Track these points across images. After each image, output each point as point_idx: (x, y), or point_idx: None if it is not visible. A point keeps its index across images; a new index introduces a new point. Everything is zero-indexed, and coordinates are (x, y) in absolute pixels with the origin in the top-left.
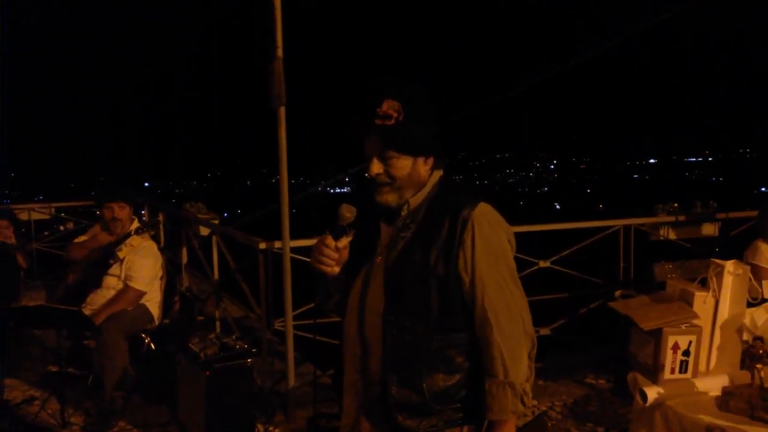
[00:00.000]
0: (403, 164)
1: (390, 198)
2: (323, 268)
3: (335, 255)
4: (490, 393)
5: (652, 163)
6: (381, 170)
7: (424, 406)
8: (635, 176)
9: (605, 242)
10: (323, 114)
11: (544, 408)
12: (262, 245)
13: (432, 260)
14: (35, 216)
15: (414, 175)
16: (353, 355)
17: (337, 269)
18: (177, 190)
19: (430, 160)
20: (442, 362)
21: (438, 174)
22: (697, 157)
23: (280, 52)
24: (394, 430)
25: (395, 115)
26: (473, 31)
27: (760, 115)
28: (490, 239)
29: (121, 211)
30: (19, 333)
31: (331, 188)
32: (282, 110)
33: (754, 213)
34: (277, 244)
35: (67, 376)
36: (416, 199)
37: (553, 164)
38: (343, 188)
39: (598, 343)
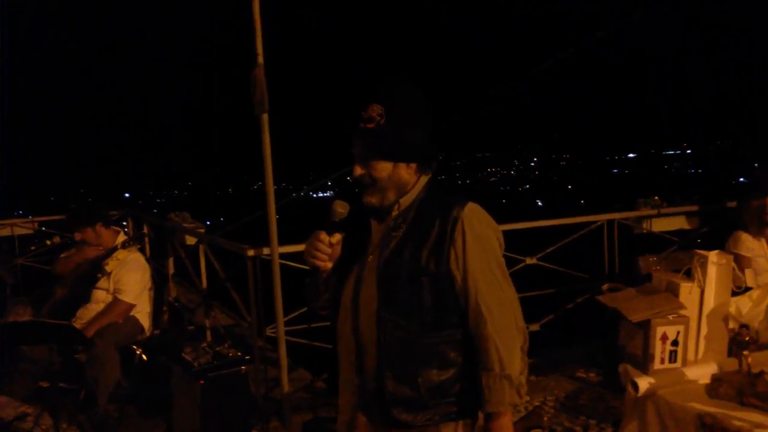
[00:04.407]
0: (383, 167)
1: (373, 199)
2: (316, 262)
3: (328, 250)
4: (487, 386)
5: (632, 157)
6: (363, 172)
7: (420, 400)
8: (615, 171)
9: (589, 237)
10: (305, 119)
11: (537, 403)
12: (251, 252)
13: (424, 258)
14: (18, 231)
15: (395, 177)
16: (348, 353)
17: (329, 264)
18: (158, 200)
19: (414, 165)
20: (436, 358)
21: (426, 177)
22: (675, 150)
23: (261, 59)
24: (391, 425)
25: (377, 118)
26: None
27: (736, 106)
28: (480, 237)
29: (90, 233)
30: (9, 349)
31: (314, 193)
32: (265, 117)
33: (733, 204)
34: (266, 251)
35: (59, 390)
36: (406, 200)
37: (533, 162)
38: (326, 192)
39: (586, 337)
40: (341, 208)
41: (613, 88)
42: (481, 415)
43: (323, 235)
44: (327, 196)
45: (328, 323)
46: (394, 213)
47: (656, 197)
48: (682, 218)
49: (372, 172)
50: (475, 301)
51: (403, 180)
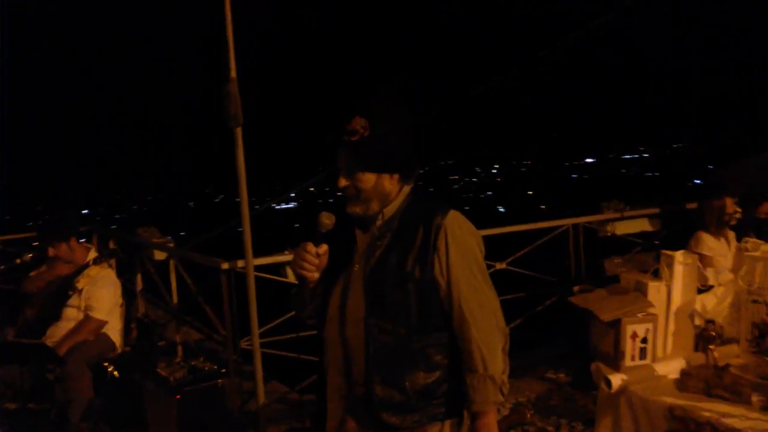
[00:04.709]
0: (368, 178)
1: (358, 209)
2: (304, 273)
3: (315, 260)
4: (472, 386)
5: (590, 162)
6: (347, 183)
7: (407, 403)
8: (573, 176)
9: (554, 242)
10: (265, 132)
11: (509, 405)
12: (225, 265)
13: (409, 265)
14: None
15: (379, 188)
16: (336, 359)
17: (316, 275)
18: (116, 216)
19: (396, 175)
20: (422, 361)
21: (408, 186)
22: (632, 154)
23: (233, 73)
24: (379, 428)
25: (361, 131)
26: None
27: (689, 109)
28: (462, 244)
29: (65, 249)
30: None
31: (276, 204)
32: (239, 130)
33: (693, 205)
34: (240, 263)
35: (28, 411)
36: (390, 210)
37: (495, 168)
38: (290, 204)
39: (555, 339)
40: (327, 220)
41: (573, 93)
42: (466, 415)
43: (310, 246)
44: (290, 208)
45: (307, 333)
46: (379, 222)
47: (619, 201)
48: (645, 220)
49: (357, 184)
50: (458, 305)
51: (386, 190)
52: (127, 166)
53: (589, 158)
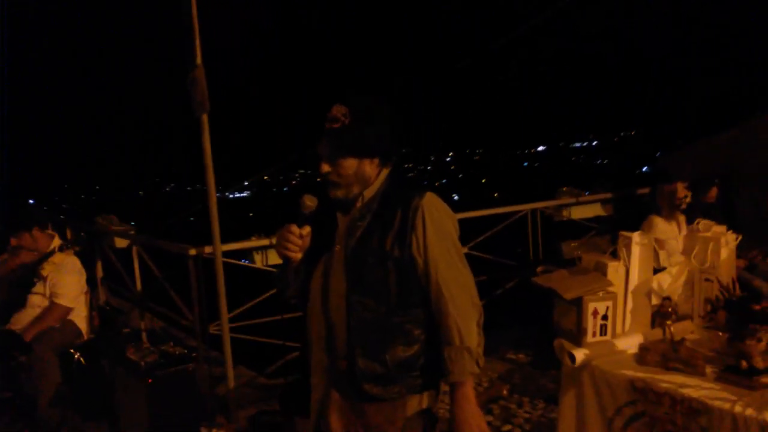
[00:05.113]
0: (350, 164)
1: (339, 193)
2: (288, 253)
3: (299, 241)
4: (450, 358)
5: (541, 150)
6: (330, 169)
7: (388, 375)
8: (525, 164)
9: (511, 226)
10: (225, 120)
11: (485, 383)
12: (192, 251)
13: (388, 245)
14: None
15: (360, 172)
16: (319, 335)
17: (300, 255)
18: (63, 205)
19: (376, 159)
20: (402, 335)
21: (387, 170)
22: (582, 142)
23: (199, 60)
24: (362, 399)
25: (342, 119)
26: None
27: (637, 96)
28: (439, 224)
29: (27, 238)
30: None
31: (230, 194)
32: (205, 117)
33: (645, 191)
34: (207, 249)
35: None
36: (369, 192)
37: (449, 157)
38: (243, 192)
39: (515, 322)
40: (310, 201)
41: (527, 82)
42: (442, 386)
43: (294, 227)
44: (244, 197)
45: (273, 318)
46: (359, 204)
47: (571, 186)
48: (598, 205)
49: (339, 170)
50: (435, 282)
51: (366, 174)
52: (73, 156)
53: (540, 146)
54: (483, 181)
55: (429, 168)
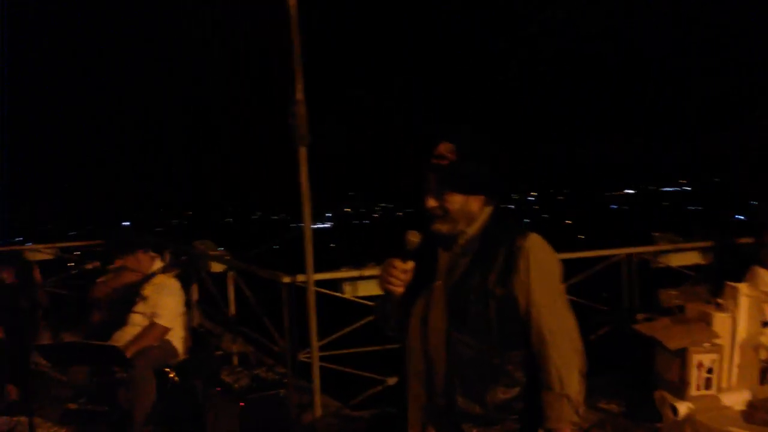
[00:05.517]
0: (456, 199)
1: (444, 228)
2: (391, 287)
3: (402, 276)
4: (549, 404)
5: (630, 193)
6: (436, 204)
7: (487, 416)
8: (613, 206)
9: (599, 272)
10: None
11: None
12: (286, 279)
13: (490, 283)
14: (39, 256)
15: (466, 208)
16: (417, 370)
17: (402, 289)
18: (157, 229)
19: (482, 197)
20: (502, 376)
21: (490, 208)
22: (673, 187)
23: (300, 95)
24: None
25: (449, 155)
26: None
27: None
28: (543, 266)
29: (131, 260)
30: (41, 374)
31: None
32: (303, 150)
33: (748, 240)
34: (300, 278)
35: (88, 413)
36: (472, 229)
37: (532, 197)
38: (325, 224)
39: (607, 369)
40: (414, 237)
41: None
42: None
43: (398, 262)
44: (325, 227)
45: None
46: (461, 241)
47: (670, 233)
48: (696, 253)
49: (445, 204)
50: (537, 324)
51: (472, 211)
52: (160, 181)
53: (628, 189)
54: (568, 222)
55: (512, 207)
